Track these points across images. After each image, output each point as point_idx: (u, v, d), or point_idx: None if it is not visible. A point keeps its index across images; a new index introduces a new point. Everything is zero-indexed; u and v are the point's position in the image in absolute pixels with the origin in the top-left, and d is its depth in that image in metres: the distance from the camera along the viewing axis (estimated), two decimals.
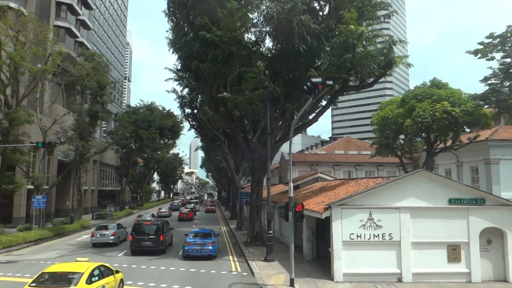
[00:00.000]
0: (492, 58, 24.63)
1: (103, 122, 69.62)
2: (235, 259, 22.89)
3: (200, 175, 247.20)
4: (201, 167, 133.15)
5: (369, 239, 16.53)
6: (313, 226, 21.34)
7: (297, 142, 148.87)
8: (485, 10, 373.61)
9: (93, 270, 12.40)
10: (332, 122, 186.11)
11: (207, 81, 26.19)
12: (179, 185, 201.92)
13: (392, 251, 16.58)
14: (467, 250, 16.62)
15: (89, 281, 11.86)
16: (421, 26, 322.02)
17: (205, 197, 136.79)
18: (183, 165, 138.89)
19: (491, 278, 16.85)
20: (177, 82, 39.69)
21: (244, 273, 19.15)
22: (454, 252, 16.62)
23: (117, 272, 14.18)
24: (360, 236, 16.54)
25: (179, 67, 31.69)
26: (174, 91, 44.22)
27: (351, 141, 66.55)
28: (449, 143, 32.13)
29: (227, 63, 24.43)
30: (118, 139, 58.71)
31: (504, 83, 24.59)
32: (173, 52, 25.53)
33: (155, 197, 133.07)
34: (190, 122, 50.68)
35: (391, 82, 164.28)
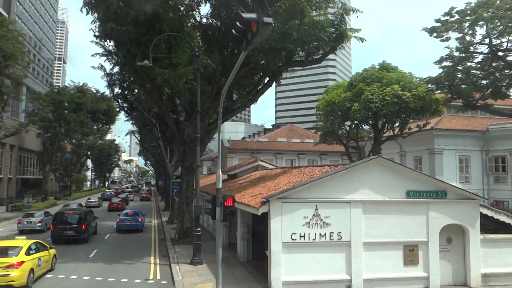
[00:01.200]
0: (448, 39, 22.67)
1: (28, 103, 62.13)
2: (157, 261, 19.17)
3: (140, 163, 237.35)
4: (139, 154, 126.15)
5: (314, 239, 13.57)
6: (250, 221, 18.16)
7: (240, 131, 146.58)
8: (428, 6, 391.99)
9: (30, 245, 14.94)
10: (276, 111, 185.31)
11: (130, 50, 21.96)
12: (116, 173, 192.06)
13: (341, 253, 13.76)
14: (426, 251, 14.21)
15: (28, 253, 14.39)
16: (365, 22, 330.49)
17: (144, 186, 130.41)
18: (119, 152, 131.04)
19: (450, 282, 14.62)
20: (105, 58, 34.52)
21: (163, 282, 15.55)
22: (411, 253, 14.14)
23: (51, 248, 16.75)
24: (304, 236, 13.53)
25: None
26: (102, 67, 38.88)
27: (294, 129, 64.47)
28: (396, 131, 30.32)
29: (152, 27, 20.39)
30: (35, 120, 51.91)
31: (459, 66, 22.75)
32: (87, 13, 20.93)
33: (89, 186, 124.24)
34: (120, 104, 45.67)
35: (334, 73, 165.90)
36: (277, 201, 13.41)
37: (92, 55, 42.70)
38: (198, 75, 18.97)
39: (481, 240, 14.49)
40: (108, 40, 24.77)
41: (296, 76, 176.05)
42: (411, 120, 29.56)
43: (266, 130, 75.32)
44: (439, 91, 25.28)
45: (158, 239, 26.11)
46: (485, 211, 14.89)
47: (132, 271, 17.05)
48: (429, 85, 24.19)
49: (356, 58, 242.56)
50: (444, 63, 22.88)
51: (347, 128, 33.14)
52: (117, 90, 42.16)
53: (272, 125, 73.28)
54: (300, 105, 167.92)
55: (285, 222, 13.43)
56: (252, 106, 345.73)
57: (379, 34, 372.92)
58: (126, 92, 41.46)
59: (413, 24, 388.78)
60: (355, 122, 31.12)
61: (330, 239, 13.64)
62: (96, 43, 30.85)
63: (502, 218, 14.99)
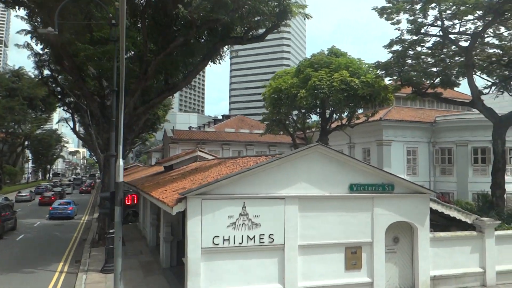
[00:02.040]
0: (398, 22, 21.10)
1: None
2: (65, 269, 16.19)
3: (88, 155, 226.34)
4: (83, 145, 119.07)
5: (241, 243, 11.30)
6: (173, 220, 15.63)
7: (193, 122, 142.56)
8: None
9: None
10: (230, 103, 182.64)
11: (43, 19, 18.71)
12: (60, 165, 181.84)
13: (272, 259, 11.58)
14: (370, 253, 12.37)
15: None
16: (320, 15, 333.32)
17: (88, 179, 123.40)
18: (62, 143, 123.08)
19: (397, 287, 12.90)
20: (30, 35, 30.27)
21: None
22: (353, 256, 12.24)
23: None
24: (229, 239, 11.22)
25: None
26: (28, 46, 34.48)
27: (245, 120, 62.34)
28: (345, 121, 28.78)
29: None
30: None
31: (409, 51, 21.26)
32: None
33: (26, 178, 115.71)
34: (50, 87, 41.24)
35: (288, 65, 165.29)
36: (195, 198, 10.98)
37: (18, 32, 37.96)
38: (115, 49, 16.02)
39: (431, 239, 12.88)
40: (19, 8, 21.16)
41: (250, 68, 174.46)
42: (360, 110, 28.01)
43: (216, 121, 72.71)
44: (388, 79, 23.85)
45: (79, 240, 22.96)
46: (435, 206, 13.32)
47: (27, 283, 14.05)
48: (378, 71, 22.62)
49: (311, 51, 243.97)
50: (394, 47, 21.34)
51: (295, 117, 31.25)
52: (46, 72, 37.90)
53: (222, 116, 70.60)
54: (254, 96, 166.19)
55: (206, 223, 11.05)
56: (207, 98, 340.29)
57: (333, 28, 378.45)
58: (57, 75, 37.28)
59: (367, 19, 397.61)
60: (303, 110, 29.25)
61: (260, 242, 11.43)
62: (22, 17, 26.89)
63: (453, 214, 13.49)
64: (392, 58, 21.67)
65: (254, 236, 11.39)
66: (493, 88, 21.74)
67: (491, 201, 17.09)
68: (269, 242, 11.48)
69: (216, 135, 46.84)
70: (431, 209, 13.19)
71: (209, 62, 21.13)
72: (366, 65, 25.04)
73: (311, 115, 30.22)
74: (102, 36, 20.92)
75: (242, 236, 11.32)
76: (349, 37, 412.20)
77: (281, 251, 11.58)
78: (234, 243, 11.25)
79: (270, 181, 11.60)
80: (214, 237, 11.10)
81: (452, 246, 13.18)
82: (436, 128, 35.39)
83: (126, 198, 10.03)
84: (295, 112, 30.29)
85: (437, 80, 22.77)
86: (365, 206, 12.31)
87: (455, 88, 25.70)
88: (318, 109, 27.49)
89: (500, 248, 13.63)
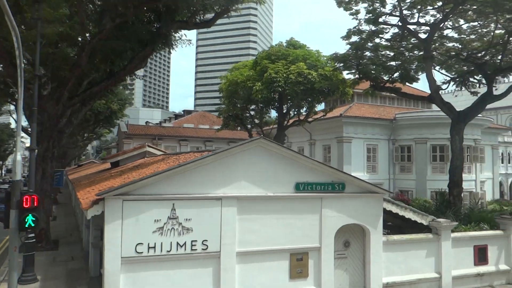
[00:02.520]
0: (357, 12, 20.09)
1: None
2: None
3: None
4: None
5: (169, 251, 9.77)
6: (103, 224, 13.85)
7: (156, 118, 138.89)
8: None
9: None
10: (195, 98, 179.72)
11: None
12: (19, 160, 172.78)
13: (206, 268, 10.13)
14: (318, 259, 11.13)
15: None
16: (287, 14, 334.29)
17: None
18: (15, 138, 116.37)
19: None
20: None
21: None
22: (299, 263, 10.97)
23: None
24: (155, 247, 9.66)
25: None
26: None
27: (206, 116, 60.61)
28: (303, 116, 27.69)
29: None
30: None
31: (368, 44, 20.32)
32: None
33: None
34: None
35: (254, 55, 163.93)
36: (115, 199, 9.35)
37: None
38: (38, 29, 14.01)
39: (384, 243, 11.81)
40: None
41: (215, 64, 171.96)
42: (321, 105, 27.00)
43: (177, 116, 70.47)
44: (347, 72, 22.86)
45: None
46: (389, 207, 12.28)
47: None
48: (336, 64, 21.57)
49: None
50: (353, 38, 20.33)
51: (252, 112, 29.93)
52: None
53: (183, 111, 68.40)
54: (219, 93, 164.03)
55: (128, 229, 9.45)
56: (174, 94, 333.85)
57: (301, 28, 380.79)
58: None
59: (336, 19, 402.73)
60: (260, 105, 27.95)
61: (192, 249, 9.94)
62: None
63: (408, 215, 12.50)
64: (350, 50, 20.66)
65: (185, 243, 9.89)
66: (451, 83, 21.21)
67: (449, 200, 16.36)
68: (203, 249, 10.01)
69: (174, 130, 44.89)
70: (385, 210, 12.15)
71: (167, 50, 19.53)
72: (325, 58, 23.98)
73: (269, 110, 28.91)
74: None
75: (171, 243, 9.79)
76: (317, 36, 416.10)
77: (216, 259, 10.13)
78: (161, 251, 9.70)
79: (205, 179, 10.13)
80: (137, 244, 9.52)
81: (406, 250, 12.18)
82: (396, 125, 35.02)
83: (24, 200, 8.30)
84: (253, 106, 28.99)
85: (396, 74, 22.04)
86: (313, 208, 11.06)
87: (416, 86, 25.20)
88: (275, 104, 26.21)
89: (457, 251, 12.79)
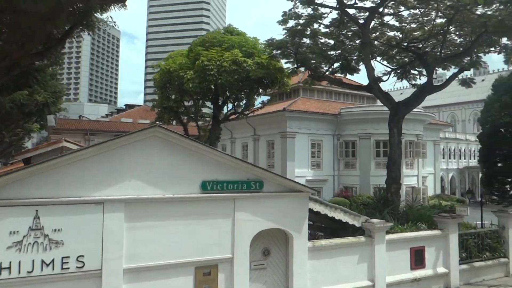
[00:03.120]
0: None
1: None
2: None
3: None
4: None
5: (30, 272, 7.54)
6: None
7: (102, 113, 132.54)
8: None
9: None
10: (145, 94, 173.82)
11: None
12: None
13: None
14: (230, 272, 9.29)
15: None
16: (241, 12, 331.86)
17: None
18: None
19: None
20: None
21: None
22: (206, 279, 9.06)
23: None
24: (10, 267, 7.40)
25: None
26: None
27: (149, 110, 57.42)
28: (240, 109, 25.88)
29: None
30: None
31: (306, 31, 18.78)
32: None
33: None
34: None
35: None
36: None
37: None
38: None
39: (309, 250, 10.19)
40: None
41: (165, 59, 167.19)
42: (258, 97, 25.29)
43: (119, 111, 66.70)
44: (286, 61, 21.29)
45: None
46: (317, 207, 10.70)
47: None
48: (273, 51, 19.91)
49: None
50: (290, 23, 18.75)
51: (188, 105, 27.75)
52: None
53: (125, 105, 64.79)
54: None
55: None
56: (126, 90, 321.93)
57: (256, 25, 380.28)
58: None
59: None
60: (196, 97, 25.81)
61: (64, 268, 7.77)
62: None
63: (339, 215, 10.98)
64: (287, 37, 19.05)
65: (53, 260, 7.70)
66: (392, 75, 20.23)
67: (386, 197, 15.17)
68: (78, 267, 7.86)
69: (109, 125, 41.74)
70: (312, 210, 10.56)
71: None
72: (263, 46, 22.27)
73: (205, 102, 26.85)
74: None
75: (34, 261, 7.57)
76: (273, 33, 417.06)
77: (96, 279, 8.01)
78: (20, 272, 7.46)
79: (82, 179, 7.98)
80: None
81: (336, 257, 10.64)
82: (341, 120, 34.15)
83: None
84: (189, 98, 26.81)
85: (337, 65, 20.78)
86: (224, 211, 9.21)
87: (358, 80, 24.16)
88: (211, 95, 24.21)
89: (392, 255, 11.45)
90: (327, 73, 20.03)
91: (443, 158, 44.58)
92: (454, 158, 46.22)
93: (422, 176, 35.90)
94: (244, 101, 25.94)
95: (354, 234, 11.47)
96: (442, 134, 43.40)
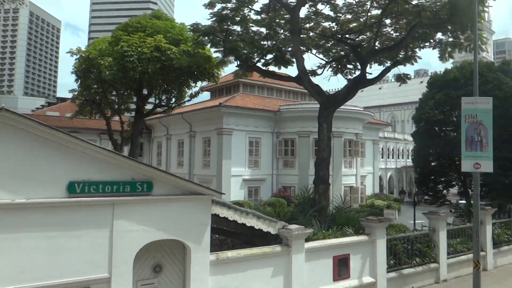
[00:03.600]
0: None
1: None
2: None
3: None
4: None
5: None
6: None
7: (40, 106, 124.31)
8: None
9: None
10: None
11: None
12: None
13: None
14: None
15: None
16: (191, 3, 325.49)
17: None
18: None
19: None
20: None
21: None
22: None
23: None
24: None
25: None
26: None
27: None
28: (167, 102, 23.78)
29: None
30: None
31: (236, 16, 17.14)
32: None
33: None
34: None
35: None
36: None
37: None
38: None
39: (212, 263, 8.52)
40: None
41: None
42: (189, 89, 23.35)
43: (50, 104, 61.89)
44: (215, 50, 19.54)
45: None
46: (225, 213, 9.08)
47: None
48: (200, 37, 18.08)
49: None
50: (218, 7, 17.01)
51: (112, 96, 25.26)
52: None
53: (56, 98, 60.12)
54: None
55: None
56: (63, 81, 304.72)
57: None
58: None
59: None
60: (120, 88, 23.43)
61: None
62: None
63: (251, 222, 9.43)
64: (214, 22, 17.32)
65: None
66: (327, 68, 19.15)
67: (314, 198, 13.91)
68: None
69: (33, 118, 37.80)
70: (217, 216, 8.92)
71: None
72: (192, 33, 20.38)
73: (131, 94, 24.49)
74: None
75: None
76: None
77: None
78: None
79: None
80: None
81: (245, 270, 9.06)
82: (280, 117, 33.00)
83: None
84: (112, 89, 24.33)
85: (271, 57, 19.38)
86: (99, 219, 7.32)
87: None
88: (135, 86, 21.95)
89: (312, 266, 10.07)
90: (258, 64, 18.54)
91: (382, 157, 44.92)
92: (393, 158, 46.82)
93: (361, 176, 35.64)
94: (175, 93, 23.91)
95: (273, 242, 9.98)
96: (381, 134, 43.68)
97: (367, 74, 16.19)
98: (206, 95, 47.67)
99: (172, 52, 18.43)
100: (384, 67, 16.29)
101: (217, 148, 30.88)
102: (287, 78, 17.07)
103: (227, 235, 11.22)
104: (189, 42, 19.61)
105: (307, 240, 10.11)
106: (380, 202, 33.42)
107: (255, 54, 19.06)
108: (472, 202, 19.53)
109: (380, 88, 72.49)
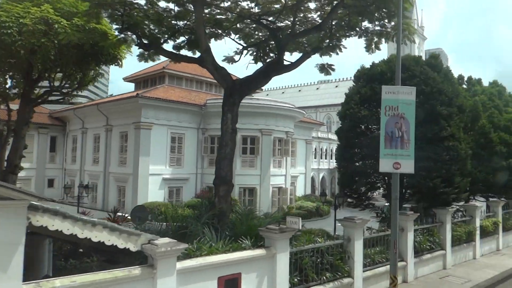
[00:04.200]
0: None
1: None
2: None
3: None
4: None
5: None
6: None
7: None
8: None
9: None
10: None
11: None
12: None
13: None
14: None
15: None
16: None
17: None
18: None
19: None
20: None
21: None
22: None
23: None
24: None
25: None
26: None
27: None
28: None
29: None
30: None
31: None
32: None
33: None
34: None
35: None
36: None
37: None
38: None
39: None
40: None
41: None
42: (92, 72, 20.18)
43: None
44: (117, 27, 16.70)
45: None
46: (56, 224, 6.51)
47: None
48: (93, 8, 15.18)
49: None
50: None
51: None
52: None
53: None
54: None
55: None
56: None
57: None
58: None
59: None
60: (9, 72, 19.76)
61: None
62: None
63: (100, 236, 6.94)
64: None
65: None
66: (245, 53, 17.06)
67: (213, 202, 11.66)
68: None
69: None
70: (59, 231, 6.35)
71: None
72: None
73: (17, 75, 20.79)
74: None
75: None
76: None
77: None
78: None
79: None
80: None
81: None
82: (206, 112, 30.61)
83: None
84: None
85: (183, 39, 16.93)
86: None
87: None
88: (24, 66, 18.47)
89: None
90: (166, 47, 16.04)
91: (315, 157, 43.93)
92: (326, 158, 46.06)
93: (291, 176, 34.18)
94: (77, 79, 20.62)
95: (144, 259, 7.57)
96: (314, 134, 42.66)
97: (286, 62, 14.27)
98: (130, 86, 44.04)
99: (60, 26, 15.40)
100: (303, 55, 14.42)
101: (134, 144, 27.89)
102: (188, 58, 14.59)
103: (87, 250, 8.63)
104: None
105: (184, 257, 7.81)
106: (309, 203, 32.08)
107: (165, 36, 16.54)
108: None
109: (317, 89, 72.38)
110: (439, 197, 15.59)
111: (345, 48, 16.69)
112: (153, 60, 17.52)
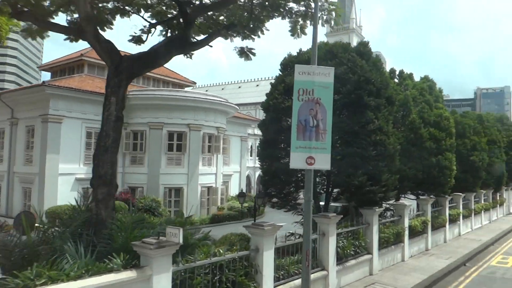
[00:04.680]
0: None
1: None
2: None
3: None
4: None
5: None
6: None
7: None
8: None
9: None
10: None
11: None
12: None
13: None
14: None
15: None
16: None
17: None
18: None
19: None
20: None
21: None
22: None
23: None
24: None
25: None
26: None
27: None
28: None
29: None
30: None
31: None
32: None
33: None
34: None
35: None
36: None
37: None
38: None
39: None
40: None
41: None
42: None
43: None
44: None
45: None
46: None
47: None
48: None
49: None
50: None
51: None
52: None
53: None
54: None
55: None
56: None
57: None
58: None
59: None
60: None
61: None
62: None
63: None
64: None
65: None
66: (154, 31, 14.75)
67: (89, 208, 9.32)
68: None
69: None
70: None
71: None
72: None
73: None
74: None
75: None
76: None
77: None
78: None
79: None
80: None
81: None
82: (128, 105, 27.41)
83: None
84: None
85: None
86: None
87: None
88: None
89: None
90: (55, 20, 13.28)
91: (251, 155, 42.26)
92: None
93: (224, 175, 32.21)
94: None
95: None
96: (251, 130, 40.94)
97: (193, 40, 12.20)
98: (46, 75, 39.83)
99: None
100: (212, 31, 12.42)
101: (41, 140, 24.51)
102: (67, 29, 11.92)
103: None
104: None
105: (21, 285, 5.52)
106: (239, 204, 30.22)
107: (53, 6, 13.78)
108: (323, 205, 17.01)
109: (257, 85, 71.03)
110: (365, 196, 14.25)
111: (268, 30, 14.87)
112: (42, 38, 14.65)
